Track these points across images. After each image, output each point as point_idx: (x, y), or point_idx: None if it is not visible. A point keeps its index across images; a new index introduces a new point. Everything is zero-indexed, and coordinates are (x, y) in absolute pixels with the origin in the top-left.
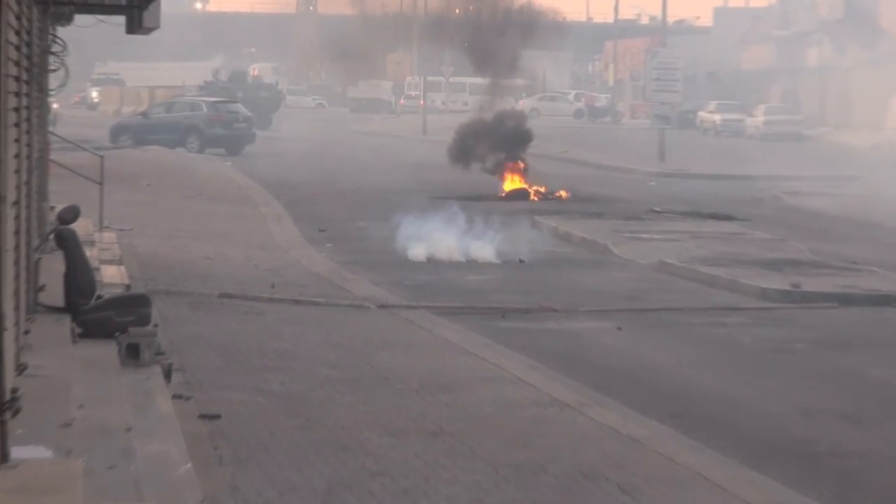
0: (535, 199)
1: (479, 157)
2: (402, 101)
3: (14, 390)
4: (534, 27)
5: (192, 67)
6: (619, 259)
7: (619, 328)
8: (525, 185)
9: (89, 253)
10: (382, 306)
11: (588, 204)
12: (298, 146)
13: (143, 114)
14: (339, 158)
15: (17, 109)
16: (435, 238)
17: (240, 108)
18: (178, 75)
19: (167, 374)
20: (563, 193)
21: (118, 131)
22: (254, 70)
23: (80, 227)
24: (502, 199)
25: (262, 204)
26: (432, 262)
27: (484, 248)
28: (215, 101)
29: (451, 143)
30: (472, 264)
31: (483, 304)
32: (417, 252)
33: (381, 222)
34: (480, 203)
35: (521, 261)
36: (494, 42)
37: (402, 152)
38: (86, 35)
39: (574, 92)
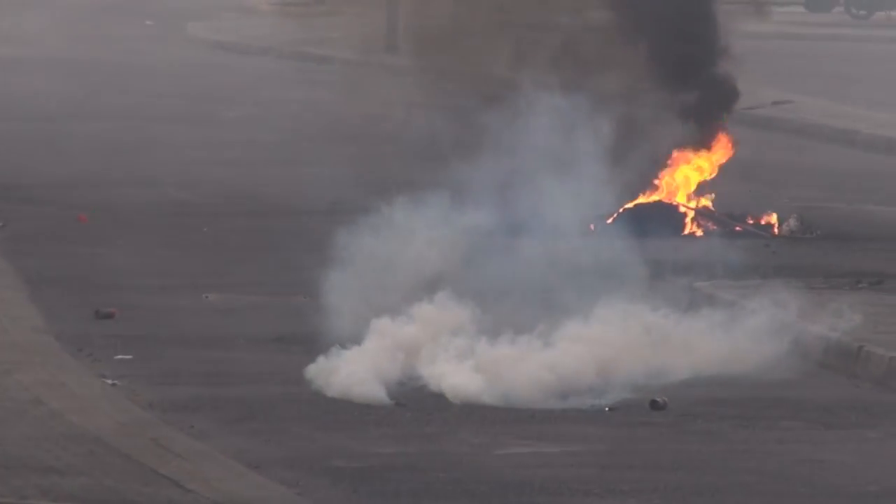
0: (696, 229)
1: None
2: None
3: None
4: None
5: None
6: None
7: None
8: (675, 198)
9: None
10: None
11: (843, 247)
12: (35, 84)
13: None
14: (152, 117)
15: None
16: (417, 337)
17: None
18: None
19: None
20: (771, 219)
21: None
22: None
23: None
24: (609, 226)
25: None
26: (411, 407)
27: (556, 372)
28: None
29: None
30: (522, 414)
31: None
32: (365, 381)
33: (265, 292)
34: (549, 240)
35: (656, 403)
36: None
37: (334, 103)
38: None
39: None
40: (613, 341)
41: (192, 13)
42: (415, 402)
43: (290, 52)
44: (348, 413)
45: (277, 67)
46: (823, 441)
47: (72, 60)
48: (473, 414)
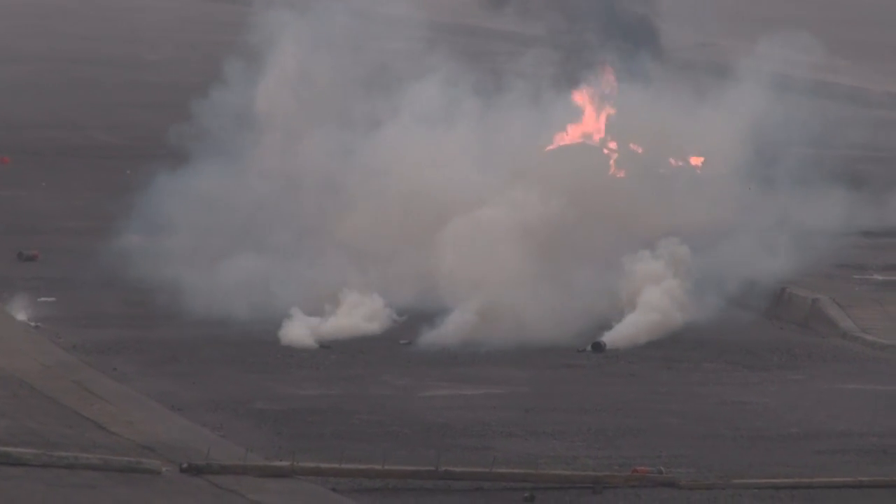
0: (619, 171)
1: None
2: None
3: None
4: None
5: None
6: (849, 341)
7: None
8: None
9: None
10: (194, 469)
11: (768, 189)
12: None
13: None
14: (76, 59)
15: None
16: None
17: None
18: None
19: None
20: (697, 162)
21: None
22: None
23: None
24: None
25: None
26: (335, 350)
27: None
28: None
29: None
30: (445, 356)
31: (473, 464)
32: (299, 331)
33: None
34: None
35: (599, 345)
36: None
37: (261, 45)
38: None
39: None
40: None
41: None
42: (338, 345)
43: None
44: (272, 355)
45: (201, 10)
46: (746, 383)
47: None
48: (397, 356)
